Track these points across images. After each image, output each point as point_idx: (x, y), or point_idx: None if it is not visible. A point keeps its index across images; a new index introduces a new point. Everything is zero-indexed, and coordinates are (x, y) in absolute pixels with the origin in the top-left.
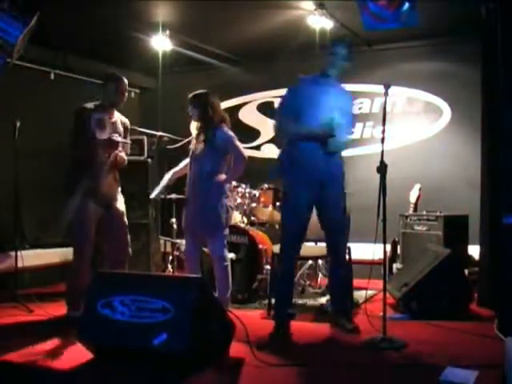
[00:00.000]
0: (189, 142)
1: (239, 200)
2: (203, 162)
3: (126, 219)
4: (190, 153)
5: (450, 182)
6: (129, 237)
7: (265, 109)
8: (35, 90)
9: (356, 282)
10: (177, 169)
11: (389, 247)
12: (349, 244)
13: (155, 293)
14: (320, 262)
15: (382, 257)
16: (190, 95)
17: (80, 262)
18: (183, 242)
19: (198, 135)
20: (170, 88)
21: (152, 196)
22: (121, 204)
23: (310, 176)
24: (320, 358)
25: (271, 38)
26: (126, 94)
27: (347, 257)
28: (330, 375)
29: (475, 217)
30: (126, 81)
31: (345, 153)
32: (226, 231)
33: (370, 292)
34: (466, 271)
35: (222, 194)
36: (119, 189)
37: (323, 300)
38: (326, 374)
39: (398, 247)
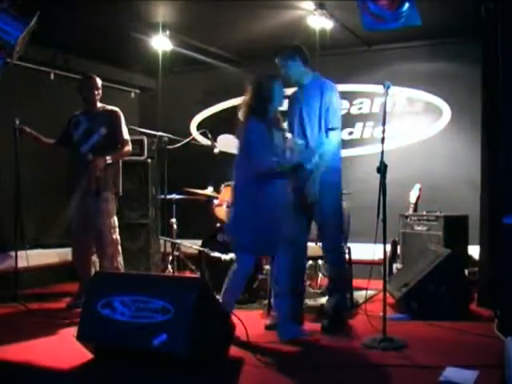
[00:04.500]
0: (188, 143)
1: None
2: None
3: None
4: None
5: (450, 182)
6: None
7: None
8: (35, 89)
9: (356, 282)
10: None
11: (389, 247)
12: (349, 244)
13: (155, 293)
14: (320, 262)
15: (382, 257)
16: None
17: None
18: (183, 242)
19: None
20: (170, 88)
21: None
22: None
23: None
24: (320, 359)
25: (271, 38)
26: (99, 92)
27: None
28: (330, 375)
29: (475, 217)
30: (97, 79)
31: (345, 153)
32: None
33: (370, 292)
34: (466, 271)
35: None
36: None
37: (323, 300)
38: (325, 374)
39: (398, 247)
